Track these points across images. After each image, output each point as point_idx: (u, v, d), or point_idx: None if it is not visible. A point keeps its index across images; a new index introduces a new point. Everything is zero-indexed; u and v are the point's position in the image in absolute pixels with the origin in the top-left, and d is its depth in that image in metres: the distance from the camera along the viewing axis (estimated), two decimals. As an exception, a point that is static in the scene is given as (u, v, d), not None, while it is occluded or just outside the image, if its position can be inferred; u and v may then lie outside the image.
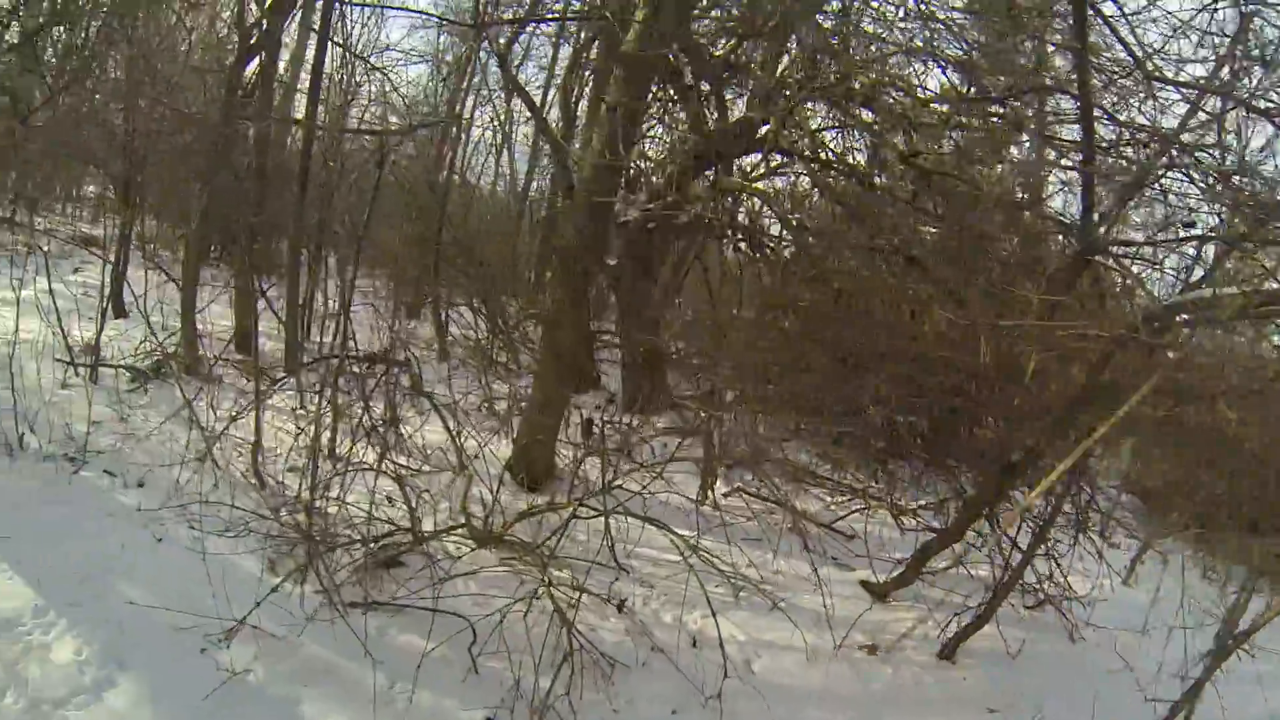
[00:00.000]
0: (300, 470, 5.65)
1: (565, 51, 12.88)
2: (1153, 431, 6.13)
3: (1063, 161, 5.74)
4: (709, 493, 6.40)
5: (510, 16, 8.52)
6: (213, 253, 11.10)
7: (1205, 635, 4.87)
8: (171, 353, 7.90)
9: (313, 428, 5.18)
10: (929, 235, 6.34)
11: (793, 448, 7.04)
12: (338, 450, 5.11)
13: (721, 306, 7.46)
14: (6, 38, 7.57)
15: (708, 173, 7.48)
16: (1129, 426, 6.42)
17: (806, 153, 6.11)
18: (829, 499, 6.73)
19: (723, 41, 6.96)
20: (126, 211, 9.19)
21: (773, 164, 6.47)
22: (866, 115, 5.94)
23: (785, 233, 6.92)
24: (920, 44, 5.49)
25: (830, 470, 6.89)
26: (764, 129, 6.50)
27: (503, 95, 12.86)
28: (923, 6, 5.47)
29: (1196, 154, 4.35)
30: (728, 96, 7.21)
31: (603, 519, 5.11)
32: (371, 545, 4.74)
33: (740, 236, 7.40)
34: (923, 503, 6.75)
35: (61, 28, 9.61)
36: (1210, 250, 4.49)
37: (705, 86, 7.07)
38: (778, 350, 6.89)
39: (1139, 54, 4.29)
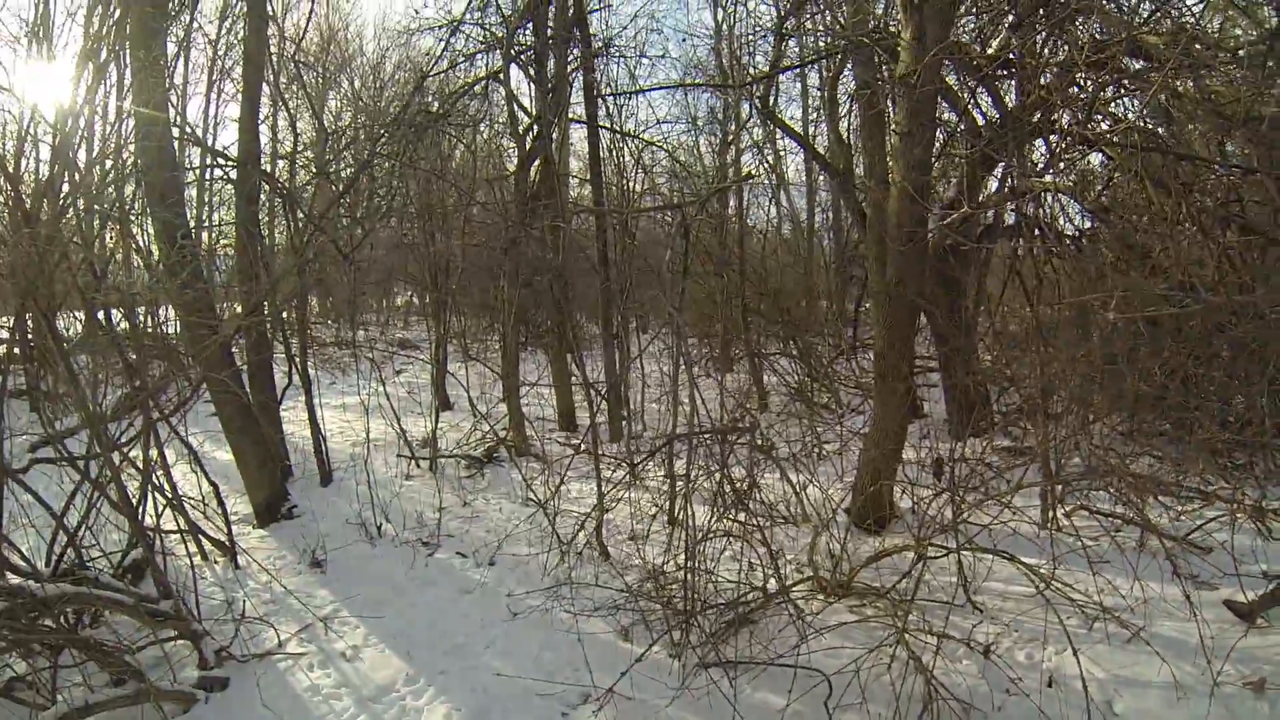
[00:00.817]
0: (641, 541, 6.26)
1: (812, 78, 13.09)
2: None
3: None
4: (1052, 514, 6.06)
5: (766, 70, 8.75)
6: (523, 340, 12.18)
7: None
8: (502, 438, 8.95)
9: (669, 500, 5.57)
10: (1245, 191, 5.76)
11: (1131, 453, 6.47)
12: (681, 517, 5.49)
13: (1039, 311, 7.04)
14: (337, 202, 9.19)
15: (996, 173, 7.29)
16: None
17: (1100, 135, 5.80)
18: (1178, 508, 6.05)
19: (992, 40, 6.78)
20: (441, 315, 10.54)
21: (1061, 150, 6.15)
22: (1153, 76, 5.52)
23: (1095, 221, 6.55)
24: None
25: (1177, 475, 6.22)
26: (1042, 115, 6.25)
27: (768, 140, 13.11)
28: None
29: None
30: (1001, 88, 7.02)
31: (952, 557, 5.02)
32: (726, 607, 4.97)
33: (1043, 234, 7.05)
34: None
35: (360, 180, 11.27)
36: None
37: (979, 88, 6.92)
38: (1101, 348, 6.47)
39: None
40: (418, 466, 8.53)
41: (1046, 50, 6.24)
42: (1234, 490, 5.98)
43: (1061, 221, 7.32)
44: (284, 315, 8.69)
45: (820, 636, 4.82)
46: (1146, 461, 6.52)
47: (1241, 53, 5.66)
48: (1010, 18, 6.44)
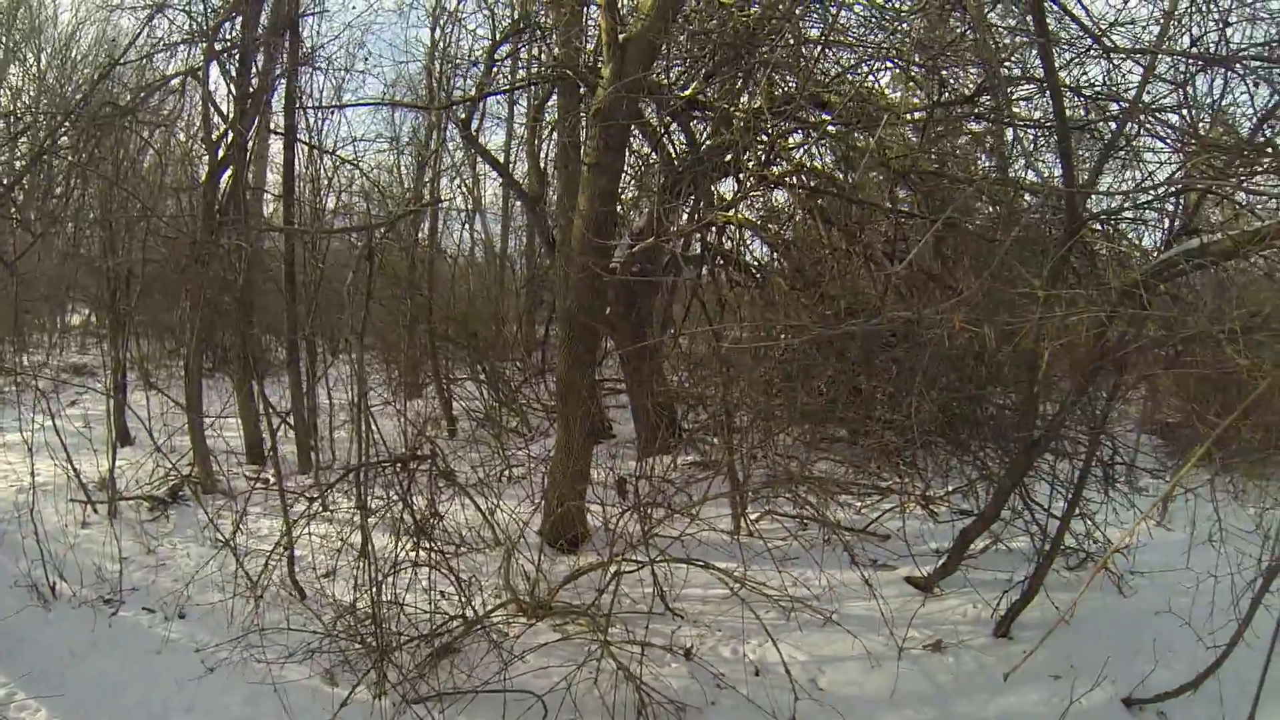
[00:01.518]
0: (333, 575, 5.79)
1: (521, 110, 13.22)
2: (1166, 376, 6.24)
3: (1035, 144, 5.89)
4: (742, 522, 6.46)
5: (471, 94, 8.62)
6: (208, 365, 11.14)
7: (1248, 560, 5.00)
8: (186, 474, 7.94)
9: (360, 533, 5.20)
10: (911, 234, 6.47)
11: (811, 460, 7.07)
12: (373, 549, 5.12)
13: (722, 335, 7.52)
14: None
15: (684, 206, 7.60)
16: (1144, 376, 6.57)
17: (782, 174, 6.25)
18: (858, 504, 6.84)
19: (687, 80, 7.08)
20: (118, 338, 9.25)
21: (748, 188, 6.58)
22: (834, 128, 6.10)
23: (774, 254, 7.02)
24: (883, 49, 5.60)
25: (853, 475, 6.96)
26: (733, 154, 6.64)
27: (468, 164, 13.05)
28: (885, 12, 5.58)
29: (1160, 114, 4.54)
30: (695, 128, 7.35)
31: (647, 569, 5.17)
32: (425, 640, 4.77)
33: (725, 264, 7.51)
34: (949, 490, 6.83)
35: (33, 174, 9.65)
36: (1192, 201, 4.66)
37: (672, 124, 7.20)
38: (779, 368, 6.98)
39: (1095, 31, 4.47)
40: (95, 511, 7.32)
41: (740, 97, 6.69)
42: (903, 484, 6.81)
43: (744, 253, 7.95)
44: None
45: (525, 659, 4.79)
46: (826, 467, 7.18)
47: (910, 116, 6.29)
48: (706, 66, 6.78)
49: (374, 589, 4.56)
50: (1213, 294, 4.58)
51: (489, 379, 9.94)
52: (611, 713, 4.38)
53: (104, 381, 9.22)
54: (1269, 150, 3.97)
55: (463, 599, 4.92)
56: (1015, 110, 5.91)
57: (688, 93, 6.69)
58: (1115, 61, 4.75)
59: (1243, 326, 3.40)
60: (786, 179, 6.46)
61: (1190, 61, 4.31)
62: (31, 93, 15.48)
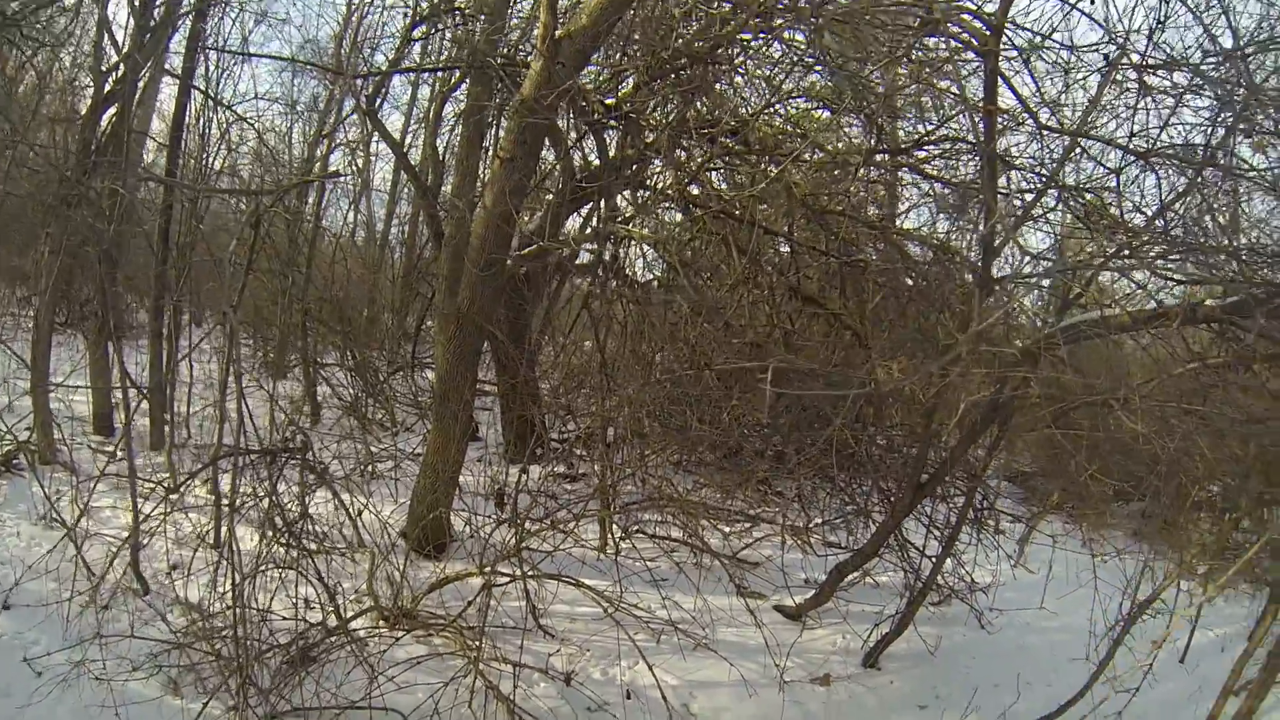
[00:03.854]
0: (183, 570, 5.24)
1: (424, 93, 12.80)
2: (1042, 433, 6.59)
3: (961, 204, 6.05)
4: (612, 539, 6.33)
5: (380, 68, 8.20)
6: (61, 320, 10.18)
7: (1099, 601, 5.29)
8: (24, 440, 7.16)
9: (214, 526, 4.76)
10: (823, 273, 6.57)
11: (681, 482, 7.07)
12: (237, 549, 4.61)
13: (608, 350, 7.43)
14: None
15: (579, 215, 7.50)
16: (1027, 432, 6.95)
17: (692, 195, 6.21)
18: (726, 529, 6.77)
19: (612, 88, 6.95)
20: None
21: (651, 203, 6.52)
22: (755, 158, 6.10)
23: (670, 273, 6.95)
24: (819, 89, 5.64)
25: (724, 500, 6.93)
26: (644, 168, 6.57)
27: (363, 143, 12.40)
28: (828, 55, 5.60)
29: (1079, 192, 4.77)
30: (608, 139, 7.23)
31: (518, 584, 4.99)
32: (284, 649, 4.41)
33: (614, 278, 7.41)
34: (820, 522, 6.92)
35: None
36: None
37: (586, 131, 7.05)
38: (660, 388, 6.98)
39: (1032, 106, 4.62)
40: (-86, 475, 6.47)
41: (659, 113, 6.60)
42: (777, 514, 6.83)
43: (639, 269, 7.85)
44: None
45: (392, 673, 4.47)
46: (700, 491, 7.12)
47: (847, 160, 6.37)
48: (632, 79, 6.66)
49: (235, 594, 4.14)
50: (1101, 365, 4.90)
51: (358, 367, 9.49)
52: (479, 734, 4.19)
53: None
54: (1170, 236, 4.20)
55: (328, 605, 4.60)
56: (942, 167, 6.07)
57: (613, 100, 6.56)
58: (1046, 139, 4.93)
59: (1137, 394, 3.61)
60: (698, 198, 6.37)
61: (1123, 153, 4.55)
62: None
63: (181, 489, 4.93)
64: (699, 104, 6.01)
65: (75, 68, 10.23)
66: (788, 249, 6.82)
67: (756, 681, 5.08)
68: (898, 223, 6.87)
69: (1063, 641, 6.16)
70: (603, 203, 6.30)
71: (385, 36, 9.74)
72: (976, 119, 4.83)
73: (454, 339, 5.99)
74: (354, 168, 12.57)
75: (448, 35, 9.09)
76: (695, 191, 6.24)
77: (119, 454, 7.56)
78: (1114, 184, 4.73)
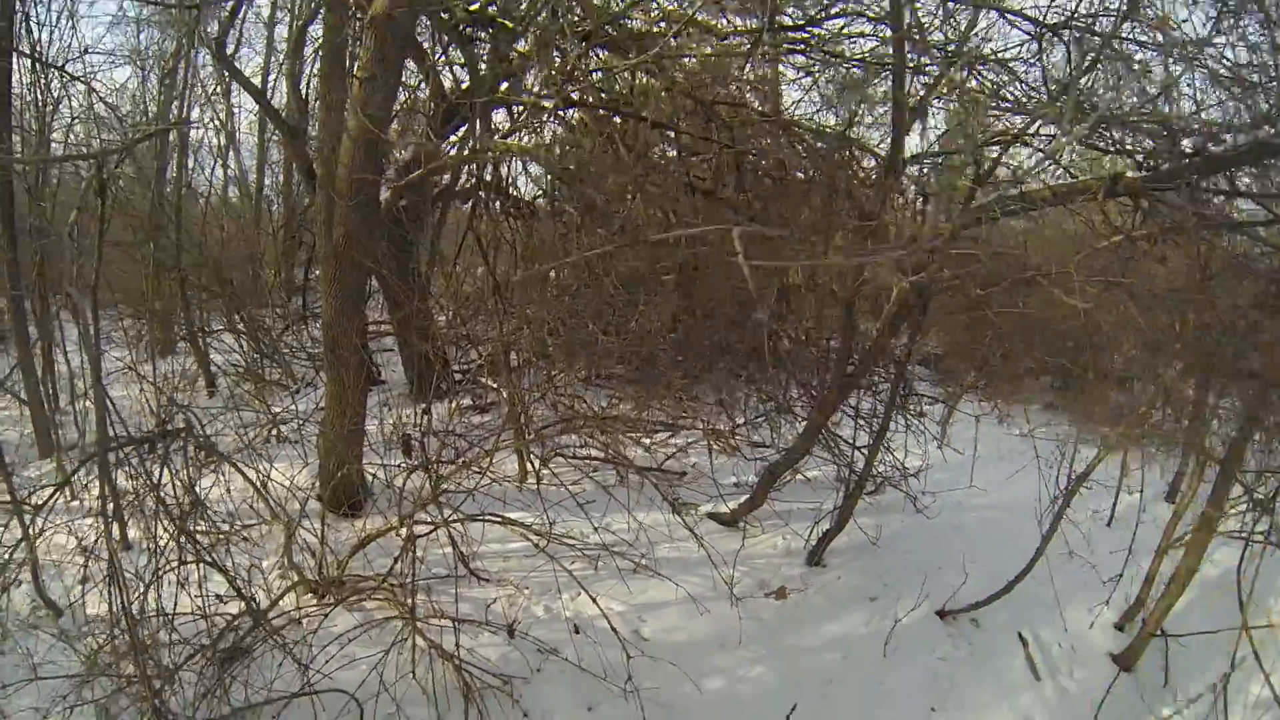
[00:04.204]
0: (90, 583, 4.69)
1: (281, 32, 11.88)
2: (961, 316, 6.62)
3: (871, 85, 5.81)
4: (528, 468, 6.03)
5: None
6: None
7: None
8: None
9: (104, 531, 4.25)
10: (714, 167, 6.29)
11: (594, 399, 6.85)
12: (118, 563, 3.94)
13: (496, 271, 7.06)
14: None
15: (454, 136, 7.06)
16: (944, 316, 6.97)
17: (577, 97, 5.79)
18: (648, 442, 6.60)
19: None
20: None
21: (526, 116, 6.11)
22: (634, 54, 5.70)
23: (556, 185, 6.60)
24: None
25: (640, 412, 6.76)
26: (521, 78, 6.16)
27: (220, 91, 11.57)
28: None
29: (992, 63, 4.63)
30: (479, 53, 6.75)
31: (442, 531, 4.68)
32: (208, 649, 4.03)
33: (498, 198, 7.01)
34: (740, 423, 6.88)
35: None
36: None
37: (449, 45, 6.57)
38: (556, 302, 6.71)
39: None
40: None
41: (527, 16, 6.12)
42: (699, 419, 6.71)
43: (522, 185, 7.56)
44: None
45: (327, 650, 4.21)
46: (609, 405, 6.83)
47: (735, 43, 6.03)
48: None
49: (126, 610, 3.74)
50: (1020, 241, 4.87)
51: (248, 329, 8.91)
52: (434, 700, 4.01)
53: None
54: (1087, 107, 4.10)
55: (243, 592, 4.18)
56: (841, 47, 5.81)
57: (477, 5, 6.09)
58: (952, 10, 4.74)
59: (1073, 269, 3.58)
60: (579, 102, 5.98)
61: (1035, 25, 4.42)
62: None
63: (50, 500, 4.38)
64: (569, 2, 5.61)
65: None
66: (675, 146, 6.53)
67: (704, 597, 5.01)
68: (789, 109, 6.64)
69: (995, 519, 6.37)
70: (478, 121, 5.87)
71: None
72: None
73: (334, 280, 5.56)
74: (215, 119, 11.67)
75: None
76: (575, 96, 5.84)
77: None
78: (1025, 56, 4.64)
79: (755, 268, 2.93)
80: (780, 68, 6.58)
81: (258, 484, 5.14)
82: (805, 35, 5.75)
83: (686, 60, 5.59)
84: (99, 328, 4.59)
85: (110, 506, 3.95)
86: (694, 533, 5.25)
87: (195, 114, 10.88)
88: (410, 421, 6.46)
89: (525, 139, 6.04)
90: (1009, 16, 4.61)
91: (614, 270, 6.06)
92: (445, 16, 5.84)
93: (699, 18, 5.58)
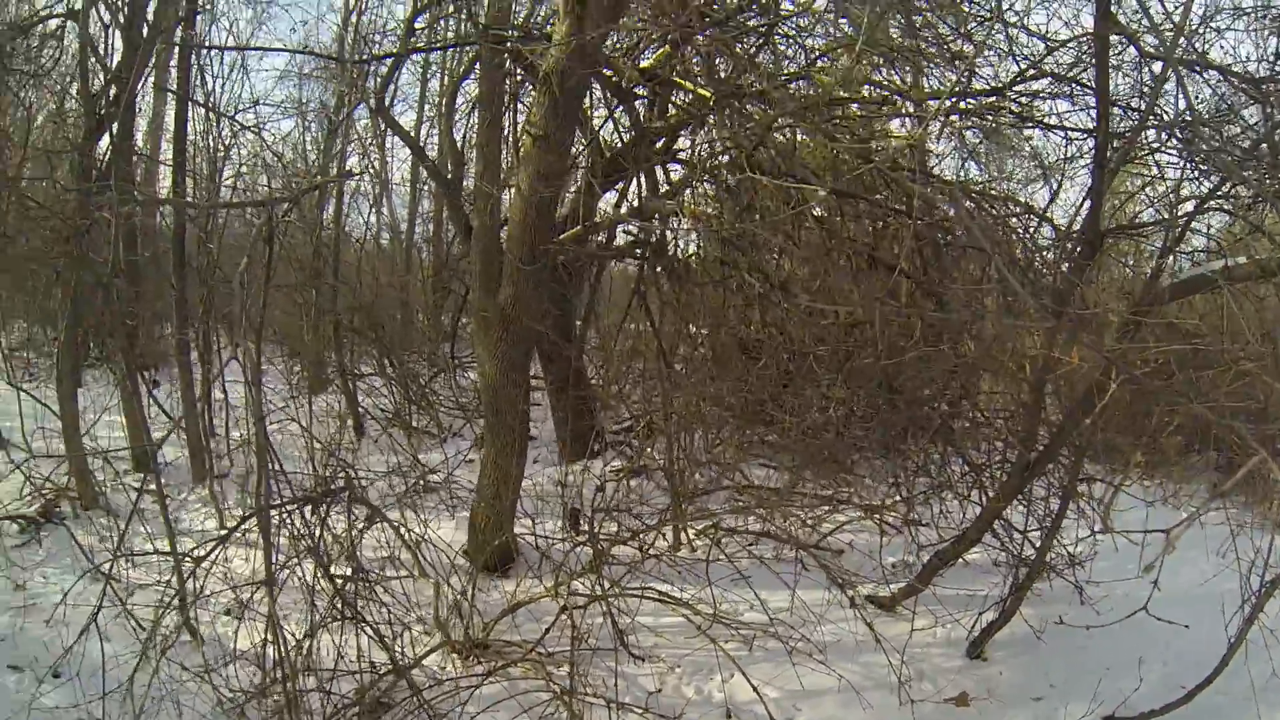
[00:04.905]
0: (237, 616, 4.91)
1: (433, 86, 12.44)
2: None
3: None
4: (683, 536, 5.92)
5: (391, 49, 7.78)
6: (95, 356, 10.07)
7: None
8: (63, 487, 6.99)
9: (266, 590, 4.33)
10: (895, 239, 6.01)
11: (744, 465, 6.71)
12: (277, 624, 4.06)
13: (665, 335, 6.97)
14: None
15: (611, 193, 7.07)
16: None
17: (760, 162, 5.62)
18: (804, 515, 6.25)
19: (641, 50, 6.46)
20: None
21: (707, 174, 5.99)
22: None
23: (729, 250, 6.47)
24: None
25: (796, 484, 6.49)
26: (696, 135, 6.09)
27: (375, 141, 12.10)
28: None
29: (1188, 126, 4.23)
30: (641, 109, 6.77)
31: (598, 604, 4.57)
32: (355, 704, 4.06)
33: (662, 258, 6.92)
34: (897, 499, 6.38)
35: None
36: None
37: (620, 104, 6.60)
38: (718, 368, 6.54)
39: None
40: (-48, 537, 6.18)
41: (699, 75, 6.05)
42: (864, 495, 6.36)
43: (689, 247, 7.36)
44: None
45: (470, 711, 4.17)
46: (764, 474, 6.78)
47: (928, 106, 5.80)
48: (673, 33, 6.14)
49: (286, 671, 3.77)
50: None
51: (398, 375, 9.16)
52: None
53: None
54: None
55: (392, 650, 4.19)
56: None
57: (648, 62, 6.06)
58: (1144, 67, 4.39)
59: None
60: (758, 164, 5.79)
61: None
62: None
63: (212, 554, 4.52)
64: (744, 59, 5.49)
65: (64, 94, 9.92)
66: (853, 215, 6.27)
67: (862, 687, 4.67)
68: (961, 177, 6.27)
69: (1171, 614, 5.73)
70: (642, 178, 5.83)
71: (388, 32, 9.34)
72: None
73: (500, 342, 5.57)
74: (370, 168, 12.27)
75: (452, 19, 8.74)
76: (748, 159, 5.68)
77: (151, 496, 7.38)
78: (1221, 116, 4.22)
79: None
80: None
81: (410, 542, 5.16)
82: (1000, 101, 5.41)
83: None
84: (260, 374, 4.72)
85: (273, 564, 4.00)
86: (868, 622, 4.94)
87: (351, 162, 11.51)
88: (571, 486, 6.36)
89: (693, 200, 5.96)
90: (1230, 77, 4.17)
91: (786, 340, 5.84)
92: (608, 73, 5.84)
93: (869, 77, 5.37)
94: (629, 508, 5.55)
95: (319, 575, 4.08)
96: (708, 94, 5.50)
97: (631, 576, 4.81)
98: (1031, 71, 4.97)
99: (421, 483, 6.95)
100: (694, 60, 5.88)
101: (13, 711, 4.37)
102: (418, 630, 4.83)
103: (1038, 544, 5.23)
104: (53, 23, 7.98)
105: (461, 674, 4.43)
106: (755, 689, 4.32)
